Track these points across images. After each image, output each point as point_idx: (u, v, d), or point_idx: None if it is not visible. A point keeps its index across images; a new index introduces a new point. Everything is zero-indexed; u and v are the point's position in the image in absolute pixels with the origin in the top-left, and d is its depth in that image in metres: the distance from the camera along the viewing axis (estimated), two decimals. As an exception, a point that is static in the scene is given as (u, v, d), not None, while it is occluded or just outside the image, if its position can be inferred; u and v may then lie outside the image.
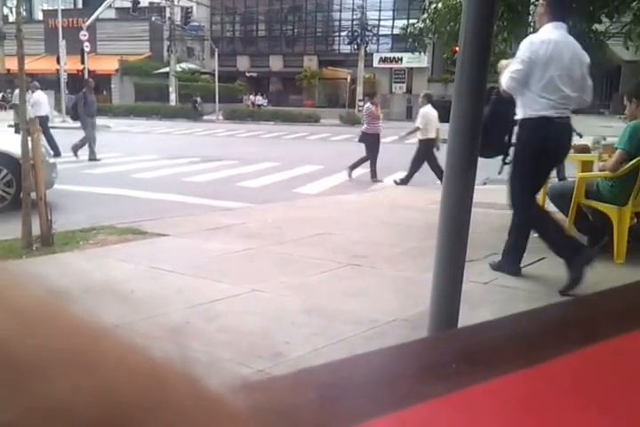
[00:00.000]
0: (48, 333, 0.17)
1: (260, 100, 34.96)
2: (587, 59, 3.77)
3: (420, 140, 8.80)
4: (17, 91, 10.45)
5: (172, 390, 0.18)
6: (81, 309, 0.18)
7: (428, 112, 8.78)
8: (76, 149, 11.46)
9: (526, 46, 3.66)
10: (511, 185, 3.85)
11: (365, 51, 32.98)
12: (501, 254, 4.04)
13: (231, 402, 0.19)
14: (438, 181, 7.83)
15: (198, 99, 29.79)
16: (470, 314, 2.78)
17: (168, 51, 33.41)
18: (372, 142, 9.44)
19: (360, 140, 9.63)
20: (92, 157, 11.36)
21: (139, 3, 28.55)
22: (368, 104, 9.81)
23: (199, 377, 0.19)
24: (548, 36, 3.66)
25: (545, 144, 3.60)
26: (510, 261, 3.97)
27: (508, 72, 3.63)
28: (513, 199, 3.88)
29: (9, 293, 0.17)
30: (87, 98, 11.47)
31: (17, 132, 10.24)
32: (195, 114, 29.43)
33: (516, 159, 3.80)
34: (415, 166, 8.76)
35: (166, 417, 0.17)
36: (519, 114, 3.71)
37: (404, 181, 8.81)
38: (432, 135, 8.74)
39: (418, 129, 8.79)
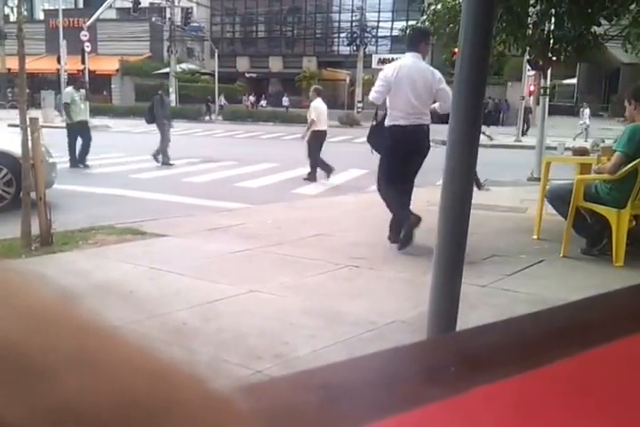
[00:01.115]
0: (56, 333, 0.17)
1: (285, 101, 34.44)
2: (434, 78, 4.75)
3: (313, 132, 9.39)
4: (66, 90, 10.52)
5: (180, 390, 0.18)
6: (87, 309, 0.18)
7: (318, 106, 9.43)
8: (157, 154, 11.19)
9: (382, 72, 4.85)
10: (379, 172, 4.96)
11: (364, 52, 32.99)
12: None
13: (235, 402, 0.19)
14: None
15: (222, 98, 30.04)
16: (469, 316, 2.78)
17: (168, 51, 33.41)
18: None
19: None
20: (166, 162, 11.10)
21: (139, 3, 28.55)
22: None
23: (203, 377, 0.19)
24: (400, 64, 4.82)
25: (399, 145, 4.71)
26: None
27: (373, 90, 4.83)
28: (378, 184, 4.99)
29: (17, 293, 0.18)
30: (163, 101, 11.29)
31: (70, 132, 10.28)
32: (209, 113, 29.74)
33: (381, 155, 4.95)
34: (314, 158, 9.37)
35: (176, 416, 0.17)
36: (386, 123, 4.82)
37: (312, 177, 9.38)
38: (323, 127, 9.41)
39: (313, 122, 9.34)
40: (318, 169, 9.45)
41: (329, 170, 9.37)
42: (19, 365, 0.15)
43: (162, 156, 11.07)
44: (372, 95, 4.81)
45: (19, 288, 0.18)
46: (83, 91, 10.99)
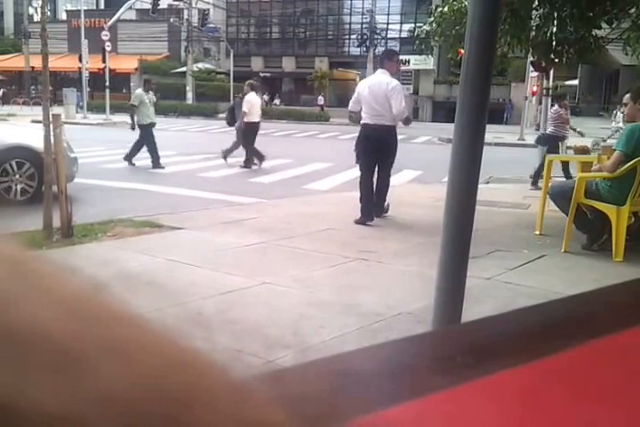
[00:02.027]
0: (90, 320, 0.17)
1: (321, 100, 33.47)
2: (387, 88, 5.78)
3: (246, 123, 10.08)
4: (136, 91, 10.33)
5: (206, 377, 0.18)
6: (116, 298, 0.19)
7: (251, 99, 10.11)
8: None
9: (357, 87, 6.20)
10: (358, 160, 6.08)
11: (374, 53, 32.94)
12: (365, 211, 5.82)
13: (255, 389, 0.20)
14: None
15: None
16: (473, 309, 2.81)
17: (185, 51, 33.68)
18: (554, 147, 8.54)
19: (542, 144, 8.87)
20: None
21: (158, 5, 28.73)
22: (556, 106, 8.88)
23: (225, 365, 0.19)
24: (367, 79, 6.22)
25: (365, 140, 5.92)
26: (366, 214, 5.80)
27: (351, 101, 6.09)
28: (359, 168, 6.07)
29: (51, 282, 0.18)
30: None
31: (133, 129, 10.24)
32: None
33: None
34: (249, 147, 10.24)
35: (207, 403, 0.17)
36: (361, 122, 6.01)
37: (248, 164, 10.23)
38: (255, 119, 10.09)
39: (245, 114, 9.97)
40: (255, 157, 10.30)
41: (261, 158, 10.37)
42: (55, 352, 0.15)
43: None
44: (350, 105, 6.14)
45: (52, 277, 0.18)
46: (152, 93, 10.57)
